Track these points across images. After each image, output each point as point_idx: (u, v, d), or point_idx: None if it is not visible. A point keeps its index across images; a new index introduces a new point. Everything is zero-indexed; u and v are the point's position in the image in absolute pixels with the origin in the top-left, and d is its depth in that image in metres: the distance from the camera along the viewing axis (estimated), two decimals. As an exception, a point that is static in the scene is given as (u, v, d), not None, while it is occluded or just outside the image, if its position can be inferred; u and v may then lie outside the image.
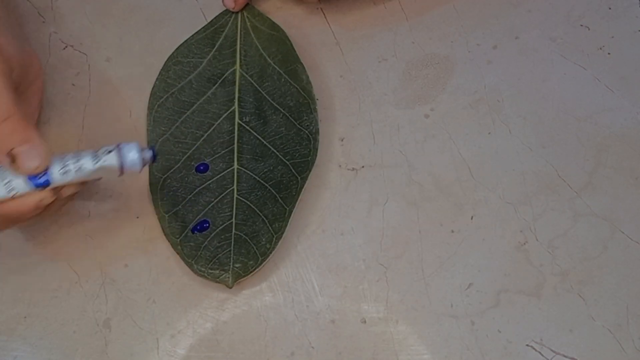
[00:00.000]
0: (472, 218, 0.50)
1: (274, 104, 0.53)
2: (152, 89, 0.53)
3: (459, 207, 0.51)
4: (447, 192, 0.51)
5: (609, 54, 0.56)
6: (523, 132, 0.53)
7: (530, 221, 0.50)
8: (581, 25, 0.57)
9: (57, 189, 0.43)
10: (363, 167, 0.52)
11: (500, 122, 0.53)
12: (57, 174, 0.42)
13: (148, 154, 0.44)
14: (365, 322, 0.48)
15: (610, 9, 0.58)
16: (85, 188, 0.49)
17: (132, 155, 0.44)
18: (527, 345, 0.47)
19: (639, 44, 0.56)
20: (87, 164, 0.43)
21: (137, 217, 0.51)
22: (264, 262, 0.48)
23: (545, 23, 0.57)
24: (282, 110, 0.52)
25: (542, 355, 0.46)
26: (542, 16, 0.57)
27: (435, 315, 0.48)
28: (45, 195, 0.41)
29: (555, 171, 0.52)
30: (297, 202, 0.50)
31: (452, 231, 0.50)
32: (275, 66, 0.54)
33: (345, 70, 0.56)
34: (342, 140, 0.53)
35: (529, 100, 0.54)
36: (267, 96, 0.53)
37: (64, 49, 0.56)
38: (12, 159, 0.40)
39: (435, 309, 0.48)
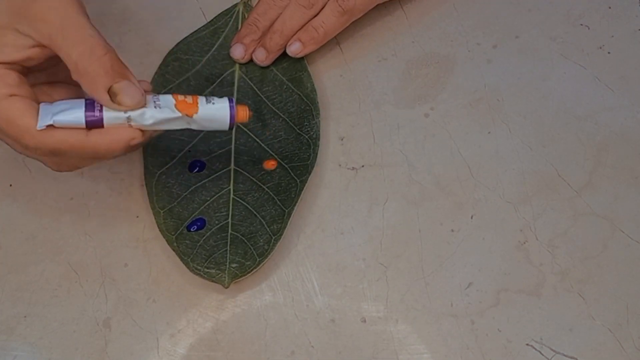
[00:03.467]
0: (472, 217, 0.50)
1: (274, 108, 0.53)
2: (150, 82, 0.53)
3: (459, 206, 0.51)
4: (447, 192, 0.51)
5: (609, 53, 0.56)
6: (523, 131, 0.53)
7: (530, 220, 0.50)
8: (581, 25, 0.57)
9: (145, 131, 0.42)
10: (363, 166, 0.52)
11: (500, 121, 0.53)
12: (153, 112, 0.42)
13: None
14: (365, 321, 0.48)
15: (610, 8, 0.58)
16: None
17: (240, 109, 0.44)
18: (527, 344, 0.47)
19: (639, 43, 0.56)
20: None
21: (137, 217, 0.51)
22: (262, 263, 0.48)
23: (545, 22, 0.57)
24: (282, 115, 0.52)
25: (542, 354, 0.46)
26: (542, 15, 0.57)
27: (435, 314, 0.48)
28: (136, 135, 0.41)
29: (555, 170, 0.52)
30: (297, 204, 0.50)
31: (452, 230, 0.50)
32: (278, 73, 0.54)
33: (345, 70, 0.56)
34: (342, 139, 0.53)
35: (529, 100, 0.54)
36: (266, 100, 0.53)
37: (64, 48, 0.56)
38: (112, 95, 0.40)
39: (435, 308, 0.48)
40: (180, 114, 0.42)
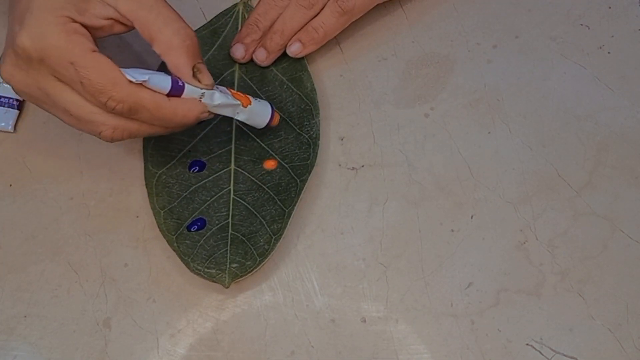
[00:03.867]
0: (472, 217, 0.50)
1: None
2: None
3: (459, 206, 0.51)
4: (447, 192, 0.51)
5: (608, 53, 0.56)
6: (523, 131, 0.53)
7: (530, 220, 0.50)
8: (581, 25, 0.57)
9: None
10: (363, 166, 0.52)
11: (500, 121, 0.53)
12: (220, 95, 0.47)
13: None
14: (365, 321, 0.48)
15: (610, 8, 0.58)
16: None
17: (276, 113, 0.51)
18: (527, 344, 0.47)
19: (639, 43, 0.56)
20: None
21: (137, 217, 0.51)
22: (262, 263, 0.48)
23: (545, 22, 0.57)
24: (282, 115, 0.52)
25: (542, 354, 0.46)
26: (542, 15, 0.57)
27: (435, 314, 0.48)
28: (205, 109, 0.46)
29: (555, 170, 0.52)
30: (297, 204, 0.50)
31: (452, 230, 0.50)
32: (278, 73, 0.54)
33: (345, 70, 0.56)
34: (342, 139, 0.53)
35: (529, 100, 0.54)
36: (266, 100, 0.53)
37: (64, 48, 0.56)
38: (196, 71, 0.45)
39: (435, 308, 0.48)
40: (239, 102, 0.48)
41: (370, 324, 0.47)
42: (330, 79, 0.55)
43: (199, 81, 0.45)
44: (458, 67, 0.55)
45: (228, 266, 0.48)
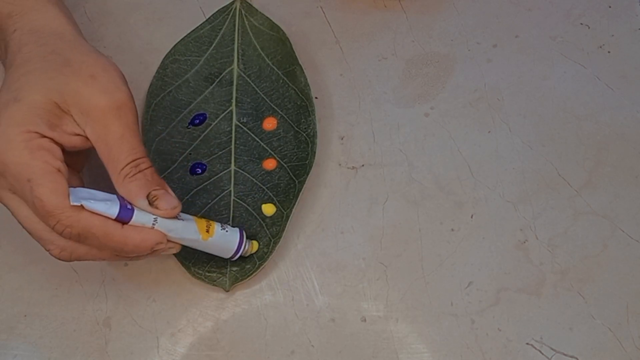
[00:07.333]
0: (472, 216, 0.50)
1: (272, 105, 0.53)
2: (149, 87, 0.53)
3: (459, 205, 0.51)
4: (447, 191, 0.51)
5: (609, 52, 0.56)
6: (523, 130, 0.53)
7: (530, 219, 0.50)
8: (581, 24, 0.57)
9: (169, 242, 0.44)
10: (363, 165, 0.52)
11: (500, 120, 0.53)
12: (178, 226, 0.44)
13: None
14: (365, 320, 0.48)
15: (610, 7, 0.58)
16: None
17: (247, 243, 0.47)
18: (527, 343, 0.47)
19: (639, 42, 0.56)
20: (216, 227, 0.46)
21: (137, 216, 0.51)
22: (262, 267, 0.48)
23: (545, 22, 0.57)
24: (280, 112, 0.52)
25: (542, 353, 0.46)
26: (542, 15, 0.57)
27: (435, 313, 0.48)
28: (162, 240, 0.43)
29: (555, 169, 0.52)
30: (295, 205, 0.50)
31: (452, 230, 0.50)
32: (274, 67, 0.54)
33: (345, 69, 0.56)
34: (342, 138, 0.53)
35: (529, 99, 0.54)
36: (265, 97, 0.53)
37: (64, 47, 0.56)
38: (151, 199, 0.43)
39: (435, 307, 0.48)
40: (197, 237, 0.45)
41: (371, 323, 0.47)
42: (330, 78, 0.55)
43: (157, 207, 0.43)
44: (458, 67, 0.55)
45: (228, 270, 0.48)
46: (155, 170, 0.44)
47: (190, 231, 0.44)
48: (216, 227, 0.46)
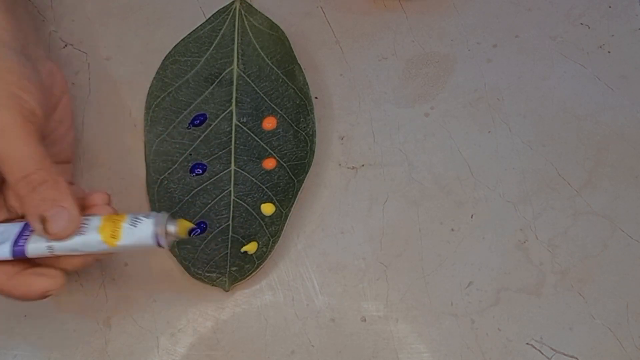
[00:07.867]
0: (472, 216, 0.50)
1: (272, 104, 0.53)
2: (150, 88, 0.53)
3: (459, 205, 0.51)
4: (447, 191, 0.51)
5: (609, 52, 0.56)
6: (523, 130, 0.53)
7: (530, 219, 0.50)
8: (581, 24, 0.57)
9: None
10: (363, 165, 0.52)
11: (500, 120, 0.53)
12: (75, 242, 0.40)
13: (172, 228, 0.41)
14: (365, 320, 0.48)
15: (610, 7, 0.58)
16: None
17: (171, 225, 0.41)
18: (527, 343, 0.47)
19: (639, 42, 0.56)
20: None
21: (137, 216, 0.51)
22: (261, 266, 0.48)
23: (545, 22, 0.57)
24: (280, 112, 0.52)
25: (542, 353, 0.46)
26: (542, 15, 0.57)
27: (435, 313, 0.48)
28: (53, 287, 0.40)
29: (555, 169, 0.52)
30: (294, 205, 0.50)
31: (452, 230, 0.50)
32: (273, 66, 0.54)
33: (345, 69, 0.56)
34: (342, 138, 0.53)
35: (529, 99, 0.54)
36: (264, 97, 0.53)
37: (64, 47, 0.56)
38: (42, 221, 0.39)
39: (435, 307, 0.48)
40: (105, 246, 0.40)
41: (371, 323, 0.48)
42: (330, 78, 0.55)
43: (47, 232, 0.38)
44: (458, 67, 0.55)
45: (228, 269, 0.48)
46: (55, 174, 0.39)
47: (93, 244, 0.40)
48: (124, 226, 0.40)
